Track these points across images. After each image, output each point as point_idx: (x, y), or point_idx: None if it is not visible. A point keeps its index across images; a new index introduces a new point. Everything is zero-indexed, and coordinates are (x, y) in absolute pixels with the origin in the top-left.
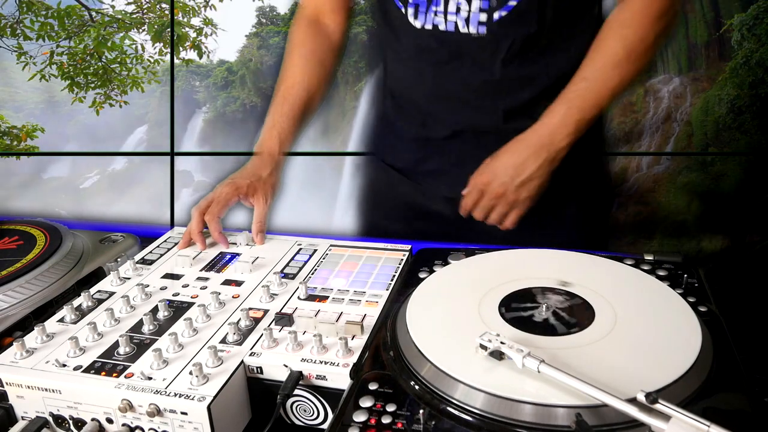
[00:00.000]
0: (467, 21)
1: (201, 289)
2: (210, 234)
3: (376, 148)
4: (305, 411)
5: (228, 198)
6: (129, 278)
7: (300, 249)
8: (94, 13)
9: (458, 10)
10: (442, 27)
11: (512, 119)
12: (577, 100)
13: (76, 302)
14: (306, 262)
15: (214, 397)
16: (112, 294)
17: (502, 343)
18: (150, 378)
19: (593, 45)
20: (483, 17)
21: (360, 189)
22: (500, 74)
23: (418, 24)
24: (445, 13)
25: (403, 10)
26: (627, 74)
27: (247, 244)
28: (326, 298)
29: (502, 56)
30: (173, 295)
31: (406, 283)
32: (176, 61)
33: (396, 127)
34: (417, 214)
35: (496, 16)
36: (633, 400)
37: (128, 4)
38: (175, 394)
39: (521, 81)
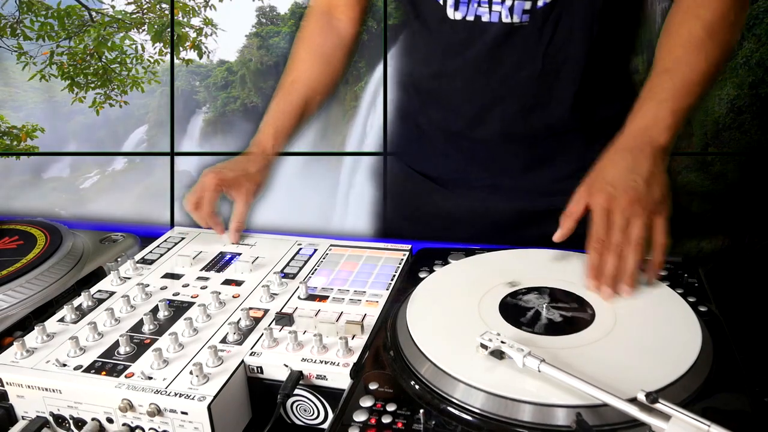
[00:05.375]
0: (511, 10)
1: (201, 288)
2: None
3: (399, 149)
4: (305, 411)
5: (214, 187)
6: (129, 278)
7: (300, 249)
8: (94, 13)
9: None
10: (485, 18)
11: (553, 123)
12: (664, 94)
13: (76, 302)
14: (306, 262)
15: (215, 397)
16: (112, 294)
17: (502, 342)
18: (150, 378)
19: (664, 32)
20: (527, 5)
21: (379, 191)
22: (541, 69)
23: (458, 15)
24: (490, 3)
25: (441, 2)
26: (713, 55)
27: (223, 245)
28: (326, 297)
29: (543, 49)
30: (173, 295)
31: (406, 283)
32: (176, 61)
33: (421, 128)
34: (443, 221)
35: (540, 3)
36: (633, 400)
37: (128, 4)
38: (176, 394)
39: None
